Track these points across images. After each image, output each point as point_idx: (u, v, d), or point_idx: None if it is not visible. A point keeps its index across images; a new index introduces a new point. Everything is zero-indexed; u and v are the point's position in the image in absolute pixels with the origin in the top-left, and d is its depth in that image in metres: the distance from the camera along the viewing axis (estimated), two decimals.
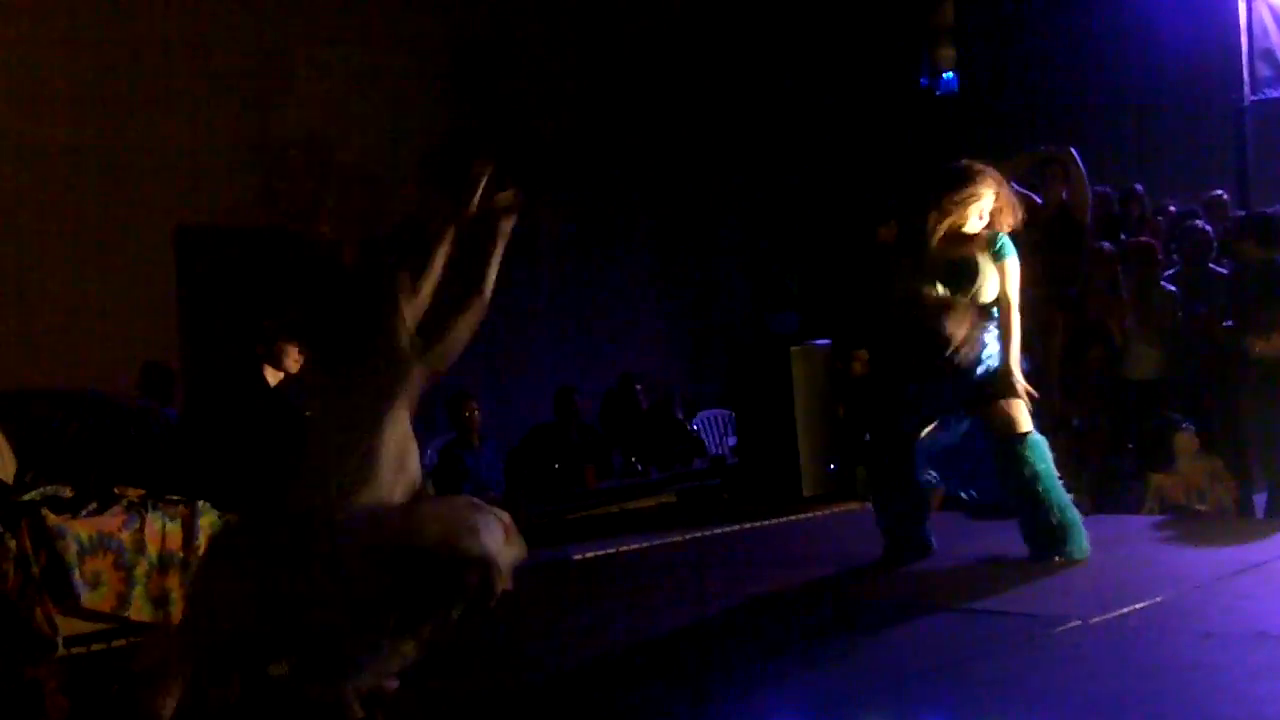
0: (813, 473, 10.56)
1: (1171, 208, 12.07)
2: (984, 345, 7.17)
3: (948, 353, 7.12)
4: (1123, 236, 10.93)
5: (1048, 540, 7.04)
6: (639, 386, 12.85)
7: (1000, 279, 7.17)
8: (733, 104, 15.57)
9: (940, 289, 7.14)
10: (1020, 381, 7.08)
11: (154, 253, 11.43)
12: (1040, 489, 7.02)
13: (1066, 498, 7.12)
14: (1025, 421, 7.09)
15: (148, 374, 10.24)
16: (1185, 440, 9.13)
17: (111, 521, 6.64)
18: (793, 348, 10.81)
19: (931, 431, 7.30)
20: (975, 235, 7.21)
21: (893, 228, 11.14)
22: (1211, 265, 10.17)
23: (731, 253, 15.93)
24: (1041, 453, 7.09)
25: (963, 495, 7.70)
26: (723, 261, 15.83)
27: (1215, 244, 10.39)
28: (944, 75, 15.89)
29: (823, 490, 10.50)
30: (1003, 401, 7.08)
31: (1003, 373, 7.10)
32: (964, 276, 7.14)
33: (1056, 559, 7.00)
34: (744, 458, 11.35)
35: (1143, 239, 10.47)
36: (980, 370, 7.14)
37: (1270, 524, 8.47)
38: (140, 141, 11.27)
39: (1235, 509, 9.10)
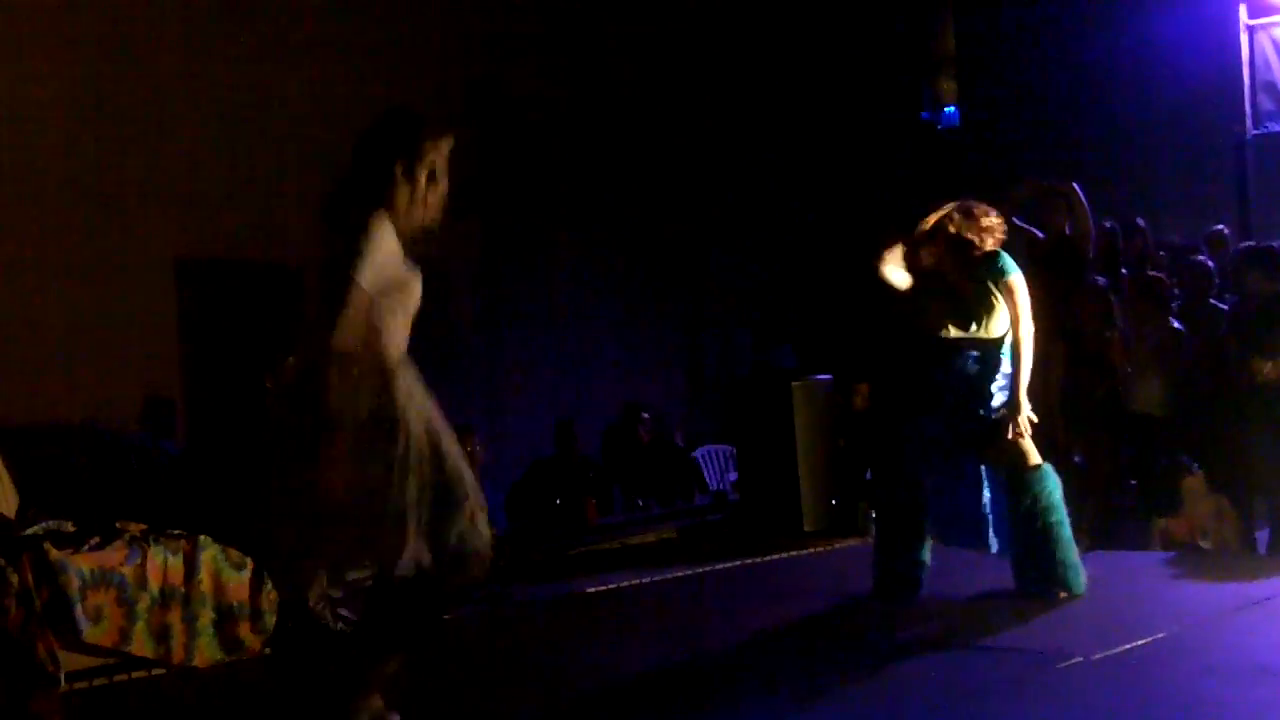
0: (814, 508, 10.56)
1: (1177, 240, 12.09)
2: (994, 383, 7.17)
3: (956, 394, 7.14)
4: (1124, 271, 10.94)
5: (1049, 575, 7.05)
6: (645, 415, 12.84)
7: (1009, 299, 7.12)
8: (734, 138, 15.61)
9: (951, 328, 7.14)
10: (1025, 412, 7.07)
11: (155, 285, 11.43)
12: (1050, 522, 7.03)
13: (1070, 534, 7.12)
14: (1034, 454, 7.13)
15: (149, 407, 10.25)
16: (1194, 483, 9.14)
17: (113, 556, 6.65)
18: (793, 383, 10.82)
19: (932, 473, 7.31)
20: (971, 262, 7.18)
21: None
22: (1212, 300, 10.17)
23: (731, 288, 15.95)
24: (1053, 485, 7.11)
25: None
26: (722, 296, 15.85)
27: (1216, 279, 10.40)
28: (946, 109, 15.96)
29: (824, 526, 10.50)
30: (1010, 438, 7.10)
31: (1010, 407, 7.11)
32: (973, 310, 7.12)
33: (1061, 595, 7.02)
34: (745, 493, 11.34)
35: (1150, 273, 10.47)
36: (988, 410, 7.14)
37: (1273, 560, 8.47)
38: (139, 174, 11.28)
39: (1238, 545, 9.09)
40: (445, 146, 4.85)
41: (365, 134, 4.87)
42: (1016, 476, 7.11)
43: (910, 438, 7.29)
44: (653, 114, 15.03)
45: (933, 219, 7.24)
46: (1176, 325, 9.86)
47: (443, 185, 4.85)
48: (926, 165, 14.77)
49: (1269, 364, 8.92)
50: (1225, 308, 10.00)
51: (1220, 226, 12.08)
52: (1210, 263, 10.59)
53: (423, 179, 4.80)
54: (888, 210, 10.61)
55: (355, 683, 4.81)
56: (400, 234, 4.76)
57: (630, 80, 14.94)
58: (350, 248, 4.62)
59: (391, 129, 4.84)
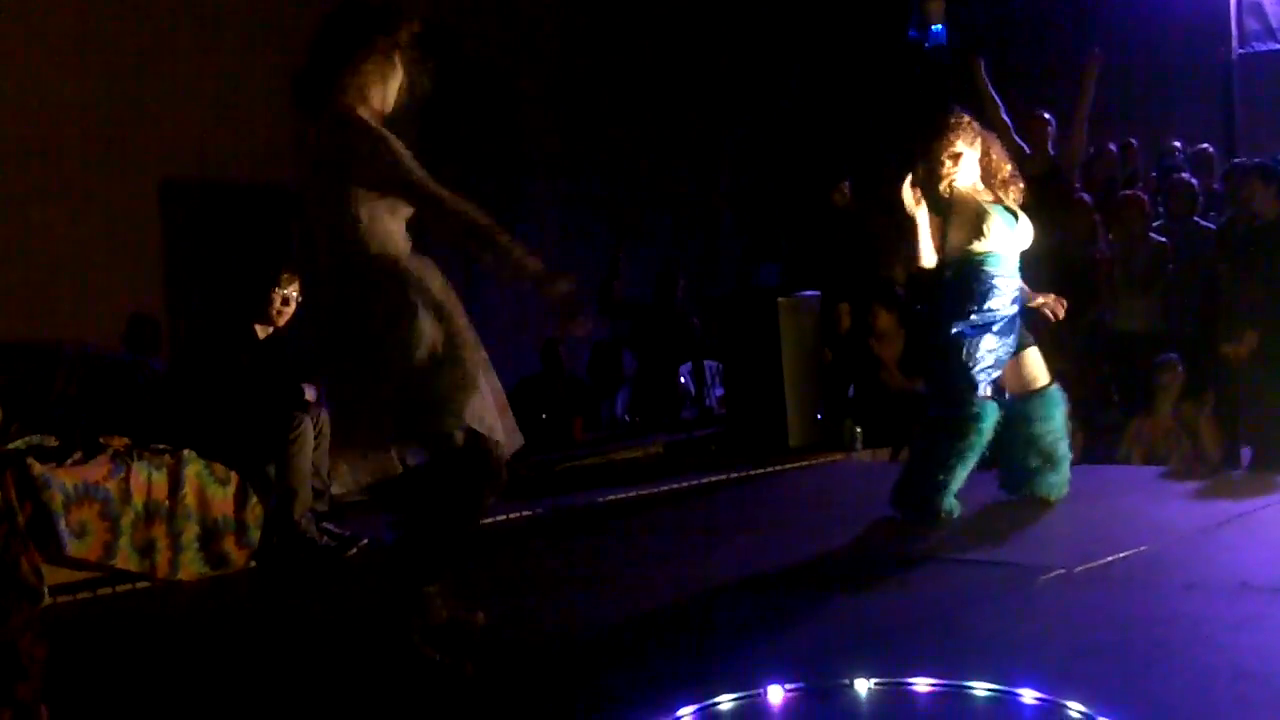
0: (799, 424, 10.58)
1: (1176, 143, 12.02)
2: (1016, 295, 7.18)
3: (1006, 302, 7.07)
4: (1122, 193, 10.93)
5: (1029, 482, 7.25)
6: (683, 281, 12.75)
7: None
8: (722, 55, 15.52)
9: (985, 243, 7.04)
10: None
11: (140, 206, 11.40)
12: (1051, 440, 7.17)
13: (1065, 451, 7.27)
14: (1044, 374, 7.24)
15: (133, 326, 10.23)
16: (1170, 375, 9.18)
17: (97, 471, 6.66)
18: (780, 299, 10.81)
19: None
20: (1000, 178, 7.19)
21: (845, 192, 11.07)
22: (1197, 219, 10.17)
23: (717, 206, 15.91)
24: (1053, 408, 7.20)
25: None
26: (708, 215, 15.81)
27: (1200, 198, 10.39)
28: (934, 28, 15.84)
29: (809, 441, 10.52)
30: (1024, 352, 7.19)
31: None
32: (1015, 221, 7.13)
33: (1043, 499, 7.19)
34: (731, 408, 11.37)
35: (1128, 192, 10.47)
36: (1011, 319, 7.13)
37: (1255, 477, 8.50)
38: (126, 95, 11.21)
39: (1221, 459, 9.14)
40: (416, 29, 4.74)
41: (338, 11, 4.71)
42: (1024, 396, 7.21)
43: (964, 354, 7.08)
44: (640, 29, 14.93)
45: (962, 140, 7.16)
46: (1161, 240, 9.87)
47: (411, 71, 4.75)
48: (914, 84, 14.67)
49: (1241, 341, 8.97)
50: (1211, 226, 10.00)
51: (1205, 145, 12.05)
52: (1194, 181, 10.58)
53: (399, 60, 4.70)
54: (874, 129, 10.59)
55: (409, 593, 4.72)
56: (378, 119, 4.69)
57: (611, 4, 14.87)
58: (374, 150, 4.54)
59: (367, 7, 4.71)
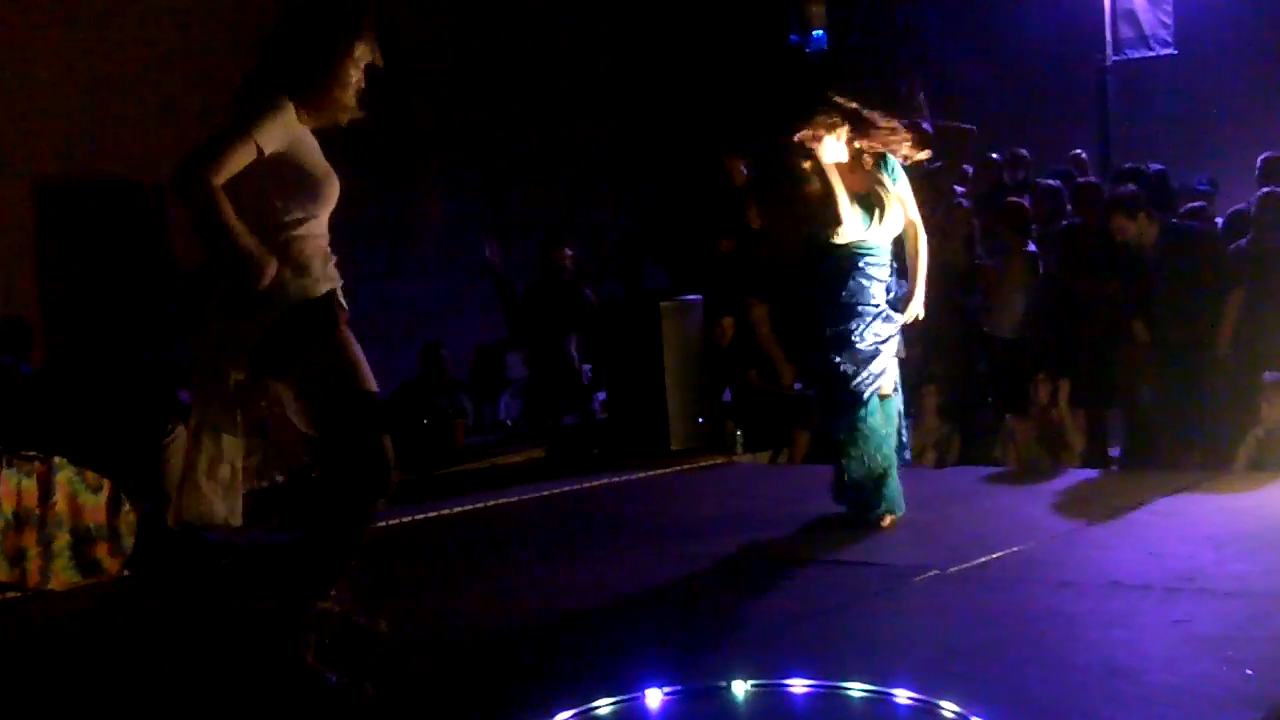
0: (681, 427, 10.58)
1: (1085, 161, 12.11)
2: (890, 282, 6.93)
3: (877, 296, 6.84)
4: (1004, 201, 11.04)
5: (859, 497, 6.93)
6: (569, 251, 12.39)
7: (900, 205, 6.87)
8: (608, 59, 15.54)
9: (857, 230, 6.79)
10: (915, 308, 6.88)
11: (13, 207, 11.23)
12: (871, 448, 6.81)
13: (882, 467, 6.87)
14: (890, 382, 6.92)
15: (4, 329, 10.05)
16: (1043, 389, 9.32)
17: None
18: (663, 303, 10.80)
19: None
20: (864, 168, 6.85)
21: (732, 243, 10.93)
22: (1066, 222, 10.31)
23: (605, 210, 15.91)
24: (890, 415, 6.92)
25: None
26: (596, 218, 15.81)
27: (1067, 203, 10.54)
28: (814, 33, 15.97)
29: (690, 445, 10.53)
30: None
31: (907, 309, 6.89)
32: (872, 213, 6.79)
33: (885, 520, 6.87)
34: (613, 412, 11.35)
35: (1013, 200, 10.57)
36: (884, 310, 6.88)
37: (1125, 477, 8.64)
38: None
39: (1088, 459, 9.28)
40: (374, 42, 4.66)
41: (297, 13, 4.60)
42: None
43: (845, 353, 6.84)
44: (519, 38, 14.92)
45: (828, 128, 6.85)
46: (1032, 249, 10.00)
47: (360, 82, 4.64)
48: (794, 89, 14.77)
49: (1141, 324, 9.12)
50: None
51: (1078, 150, 12.25)
52: (1058, 184, 10.75)
53: (351, 72, 4.60)
54: (755, 133, 10.62)
55: (295, 603, 4.63)
56: (317, 124, 4.61)
57: (496, 5, 14.83)
58: (242, 113, 4.42)
59: (331, 13, 4.59)
